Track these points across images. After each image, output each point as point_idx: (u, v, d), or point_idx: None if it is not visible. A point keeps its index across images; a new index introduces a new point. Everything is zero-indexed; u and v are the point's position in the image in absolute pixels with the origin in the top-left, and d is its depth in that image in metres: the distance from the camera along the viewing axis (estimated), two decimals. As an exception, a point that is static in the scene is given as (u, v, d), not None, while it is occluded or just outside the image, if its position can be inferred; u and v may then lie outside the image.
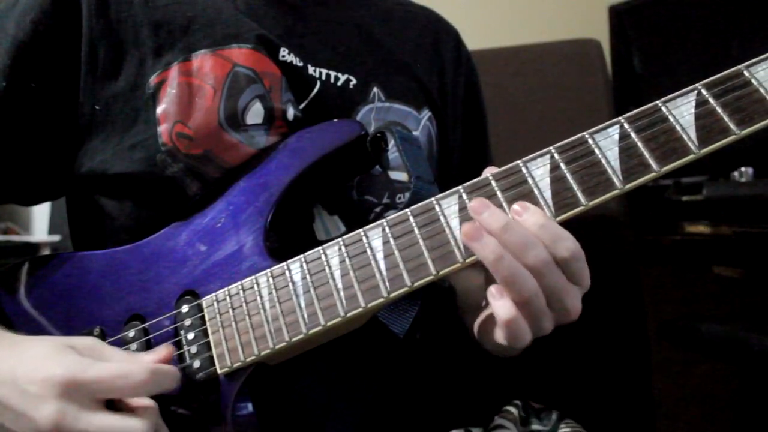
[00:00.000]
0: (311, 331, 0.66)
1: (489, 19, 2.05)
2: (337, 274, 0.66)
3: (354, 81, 0.87)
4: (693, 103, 0.61)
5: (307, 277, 0.67)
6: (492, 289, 0.61)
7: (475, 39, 1.22)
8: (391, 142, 0.80)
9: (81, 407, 0.57)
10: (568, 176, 0.62)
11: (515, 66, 1.62)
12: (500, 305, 0.61)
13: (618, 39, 1.79)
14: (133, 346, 0.72)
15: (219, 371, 0.69)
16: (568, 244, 0.60)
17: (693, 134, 0.60)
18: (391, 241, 0.65)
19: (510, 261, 0.58)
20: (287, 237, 0.78)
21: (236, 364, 0.68)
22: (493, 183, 0.64)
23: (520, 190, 0.63)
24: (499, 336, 0.64)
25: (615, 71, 1.76)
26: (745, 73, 0.62)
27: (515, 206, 0.61)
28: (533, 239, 0.59)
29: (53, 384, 0.56)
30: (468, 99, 1.02)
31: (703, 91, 0.62)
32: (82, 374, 0.57)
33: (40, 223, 2.24)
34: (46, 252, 1.98)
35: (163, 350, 0.64)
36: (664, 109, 0.62)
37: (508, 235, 0.59)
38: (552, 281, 0.60)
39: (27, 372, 0.58)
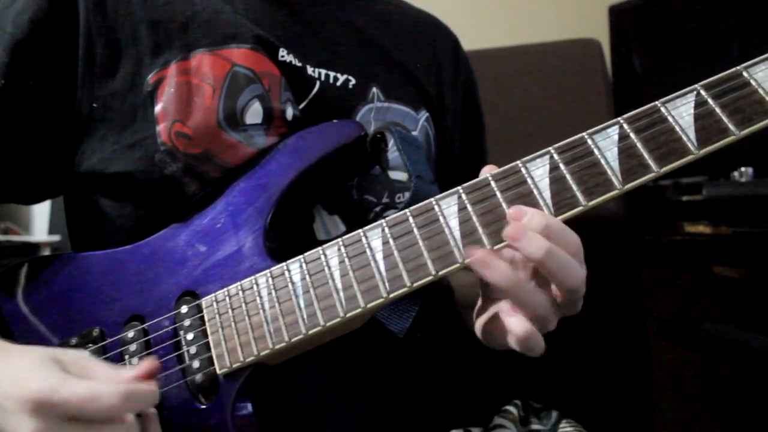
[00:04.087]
0: (311, 332, 0.66)
1: (489, 19, 2.05)
2: (337, 274, 0.66)
3: (353, 81, 0.87)
4: (692, 104, 0.61)
5: (307, 277, 0.67)
6: (504, 307, 0.63)
7: (475, 39, 1.23)
8: (391, 142, 0.80)
9: (54, 424, 0.56)
10: (568, 177, 0.62)
11: (515, 66, 1.63)
12: (515, 322, 0.62)
13: (618, 39, 1.79)
14: (133, 346, 0.72)
15: (218, 371, 0.69)
16: (572, 239, 0.61)
17: (692, 135, 0.60)
18: (391, 241, 0.65)
19: (558, 255, 0.59)
20: (287, 237, 0.78)
21: (235, 365, 0.68)
22: (493, 183, 0.64)
23: (519, 191, 0.63)
24: (513, 345, 0.64)
25: (615, 71, 1.76)
26: (744, 74, 0.62)
27: (510, 211, 0.61)
28: (573, 261, 0.60)
29: (25, 401, 0.56)
30: (466, 101, 1.02)
31: (702, 92, 0.62)
32: (53, 394, 0.56)
33: (40, 223, 2.25)
34: (46, 252, 1.99)
35: (144, 366, 0.62)
36: (663, 109, 0.62)
37: (550, 262, 0.59)
38: (581, 293, 0.61)
39: (6, 386, 0.58)
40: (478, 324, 0.70)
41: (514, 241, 0.59)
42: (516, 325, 0.61)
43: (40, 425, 0.56)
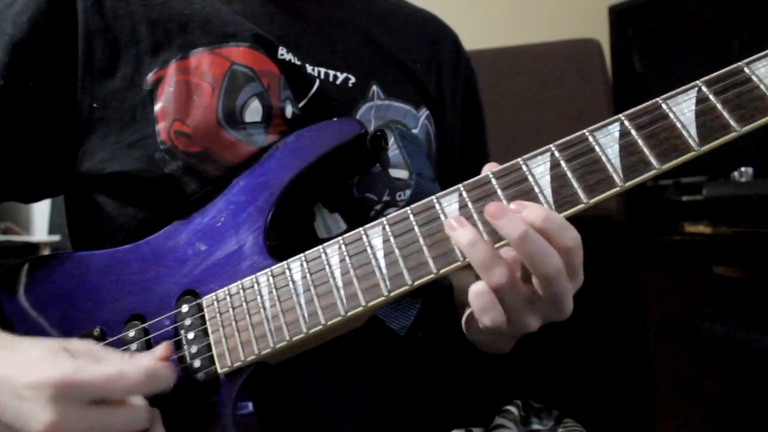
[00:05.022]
0: (311, 330, 0.65)
1: (489, 19, 2.05)
2: (337, 272, 0.66)
3: (353, 79, 0.87)
4: (693, 100, 0.61)
5: (307, 275, 0.67)
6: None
7: (475, 39, 1.23)
8: (391, 140, 0.80)
9: (76, 409, 0.57)
10: (569, 174, 0.62)
11: (515, 66, 1.63)
12: (475, 283, 0.61)
13: (618, 39, 1.79)
14: (133, 346, 0.72)
15: (219, 371, 0.69)
16: (572, 234, 0.60)
17: (693, 131, 0.60)
18: (391, 239, 0.64)
19: (536, 239, 0.59)
20: (288, 236, 0.78)
21: (236, 364, 0.68)
22: (494, 181, 0.63)
23: (520, 188, 0.63)
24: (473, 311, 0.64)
25: (615, 71, 1.76)
26: (746, 69, 0.61)
27: (512, 206, 0.61)
28: (551, 249, 0.59)
29: (47, 387, 0.56)
30: (467, 100, 1.02)
31: (704, 88, 0.61)
32: (76, 376, 0.56)
33: (40, 223, 2.24)
34: (46, 252, 1.98)
35: (161, 349, 0.64)
36: (664, 106, 0.62)
37: (526, 244, 0.58)
38: (560, 288, 0.60)
39: (22, 376, 0.58)
40: (464, 317, 0.70)
41: (494, 218, 0.59)
42: (474, 285, 0.61)
43: (60, 412, 0.56)
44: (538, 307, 0.62)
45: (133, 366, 0.59)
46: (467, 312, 0.70)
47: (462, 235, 0.61)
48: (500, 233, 0.60)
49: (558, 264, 0.59)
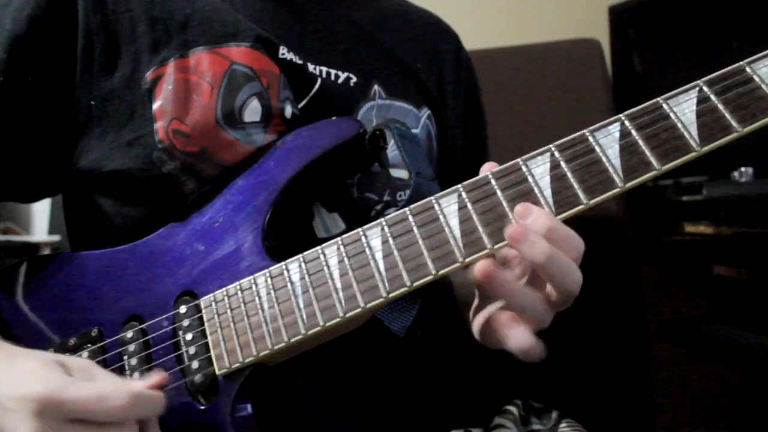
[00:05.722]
0: (310, 332, 0.65)
1: (489, 19, 2.05)
2: (336, 274, 0.66)
3: (354, 79, 0.87)
4: (694, 100, 0.61)
5: (306, 277, 0.67)
6: (502, 318, 0.63)
7: (475, 39, 1.22)
8: (391, 140, 0.80)
9: (57, 425, 0.56)
10: (569, 174, 0.61)
11: (515, 66, 1.62)
12: (515, 335, 0.62)
13: (618, 39, 1.79)
14: (132, 346, 0.72)
15: (218, 372, 0.68)
16: (577, 245, 0.60)
17: (694, 132, 0.59)
18: (390, 240, 0.64)
19: (561, 258, 0.59)
20: (286, 236, 0.77)
21: (235, 365, 0.68)
22: (493, 181, 0.63)
23: (520, 189, 0.62)
24: (514, 353, 0.64)
25: (615, 71, 1.76)
26: (747, 69, 0.61)
27: (518, 209, 0.60)
28: (574, 266, 0.59)
29: (30, 401, 0.56)
30: (468, 100, 1.02)
31: (705, 88, 0.61)
32: (61, 394, 0.56)
33: (40, 223, 2.24)
34: (46, 252, 1.98)
35: (157, 377, 0.63)
36: (665, 106, 0.61)
37: (552, 265, 0.58)
38: (574, 291, 0.61)
39: (9, 388, 0.58)
40: (475, 324, 0.70)
41: (516, 243, 0.58)
42: (517, 338, 0.62)
43: (40, 427, 0.56)
44: (554, 306, 0.62)
45: (119, 390, 0.58)
46: (479, 320, 0.69)
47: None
48: (525, 257, 0.59)
49: (580, 278, 0.59)
